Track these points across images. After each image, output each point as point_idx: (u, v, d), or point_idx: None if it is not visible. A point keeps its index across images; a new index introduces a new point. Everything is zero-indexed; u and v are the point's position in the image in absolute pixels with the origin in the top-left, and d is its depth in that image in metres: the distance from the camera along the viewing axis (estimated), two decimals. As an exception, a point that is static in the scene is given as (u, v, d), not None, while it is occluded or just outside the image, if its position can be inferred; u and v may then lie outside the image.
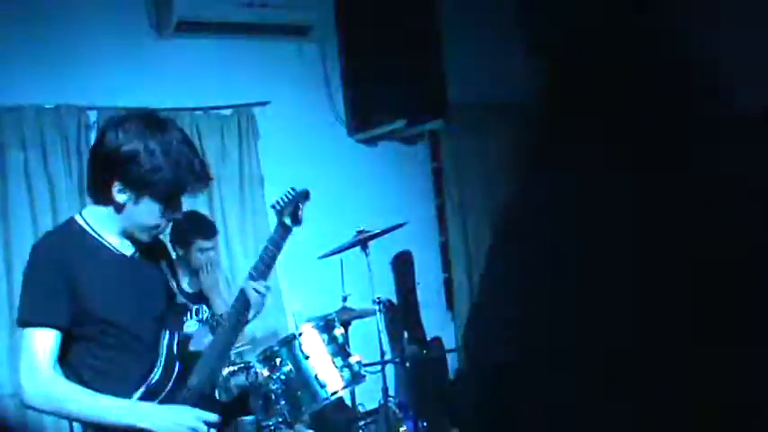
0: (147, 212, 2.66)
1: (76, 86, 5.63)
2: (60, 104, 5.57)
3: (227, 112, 6.32)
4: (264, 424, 4.22)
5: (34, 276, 2.64)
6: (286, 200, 2.99)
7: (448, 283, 7.55)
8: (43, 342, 2.57)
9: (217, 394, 2.89)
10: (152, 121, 2.67)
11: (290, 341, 4.27)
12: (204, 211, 5.85)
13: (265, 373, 4.16)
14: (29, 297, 2.64)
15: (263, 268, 2.90)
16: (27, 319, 2.60)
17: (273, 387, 3.86)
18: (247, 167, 6.36)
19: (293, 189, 3.02)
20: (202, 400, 2.78)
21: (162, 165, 2.59)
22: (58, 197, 5.52)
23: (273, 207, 2.99)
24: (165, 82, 5.86)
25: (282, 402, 4.29)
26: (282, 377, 4.22)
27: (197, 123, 6.02)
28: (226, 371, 4.09)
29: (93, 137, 5.66)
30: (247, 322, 3.09)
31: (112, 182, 2.60)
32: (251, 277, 2.97)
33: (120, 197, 2.62)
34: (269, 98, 6.43)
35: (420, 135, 7.32)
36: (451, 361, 7.22)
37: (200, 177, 2.69)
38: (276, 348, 4.27)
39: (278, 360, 4.24)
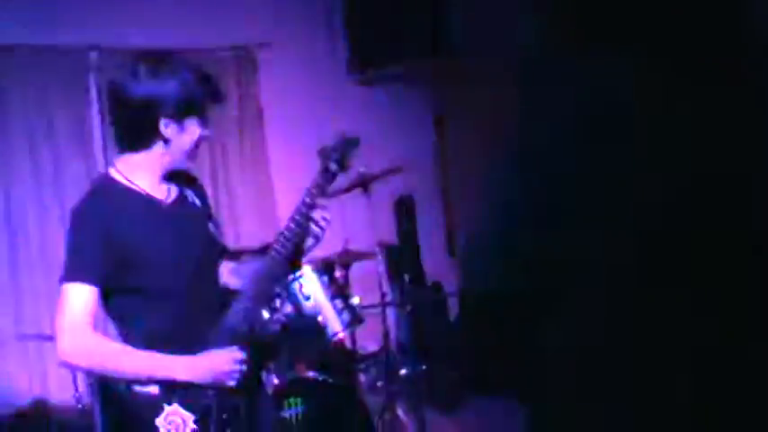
0: (191, 134, 2.69)
1: (76, 27, 5.57)
2: (59, 44, 5.52)
3: (227, 52, 6.26)
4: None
5: (72, 236, 2.65)
6: (334, 144, 2.95)
7: (448, 228, 7.54)
8: (79, 298, 2.57)
9: (255, 332, 2.87)
10: (162, 53, 2.76)
11: (289, 283, 4.27)
12: (204, 152, 5.82)
13: (265, 315, 4.16)
14: (67, 256, 2.64)
15: (305, 211, 2.87)
16: (63, 275, 2.61)
17: (273, 329, 3.85)
18: (247, 109, 6.33)
19: (344, 135, 2.98)
20: (237, 339, 2.77)
21: (194, 81, 2.66)
22: (57, 138, 5.50)
23: (319, 152, 2.94)
24: (165, 23, 5.80)
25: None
26: (282, 319, 4.21)
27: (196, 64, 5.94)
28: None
29: (92, 77, 5.64)
30: (305, 253, 3.05)
31: (158, 120, 2.61)
32: (306, 208, 2.89)
33: (168, 131, 2.63)
34: (270, 39, 6.37)
35: (422, 78, 7.27)
36: (452, 305, 7.25)
37: (218, 87, 2.79)
38: (277, 290, 4.27)
39: (278, 302, 4.24)
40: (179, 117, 2.65)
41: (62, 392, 5.04)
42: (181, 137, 2.67)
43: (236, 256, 3.71)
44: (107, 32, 5.61)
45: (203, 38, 5.96)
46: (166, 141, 2.66)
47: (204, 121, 2.74)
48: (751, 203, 1.45)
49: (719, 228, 1.44)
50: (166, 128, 2.63)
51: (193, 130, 2.69)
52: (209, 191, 5.67)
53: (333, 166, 2.93)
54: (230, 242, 5.73)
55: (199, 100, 2.69)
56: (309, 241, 2.99)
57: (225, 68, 6.19)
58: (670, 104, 1.47)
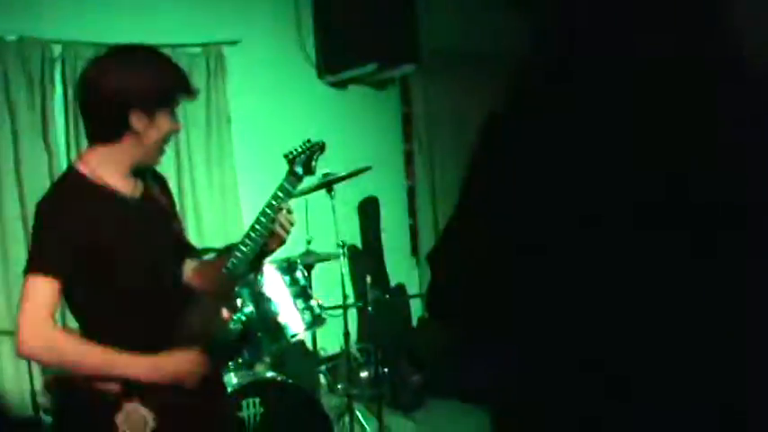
0: (161, 127, 2.66)
1: (40, 19, 5.51)
2: (24, 37, 5.45)
3: (196, 50, 6.23)
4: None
5: (37, 229, 2.62)
6: (300, 149, 2.97)
7: (413, 230, 7.55)
8: (41, 291, 2.54)
9: (216, 330, 2.87)
10: (132, 46, 2.71)
11: (251, 282, 4.26)
12: (170, 150, 5.78)
13: (226, 314, 4.14)
14: (32, 249, 2.62)
15: (271, 214, 2.87)
16: (26, 268, 2.58)
17: (234, 328, 3.84)
18: (215, 107, 6.30)
19: (309, 140, 3.02)
20: (198, 338, 2.76)
21: (165, 73, 2.66)
22: (20, 133, 5.43)
23: (286, 156, 2.97)
24: (133, 17, 5.75)
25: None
26: (243, 318, 4.20)
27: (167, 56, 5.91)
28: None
29: (57, 71, 5.60)
30: (269, 254, 3.06)
31: (129, 113, 2.59)
32: (272, 211, 2.90)
33: (139, 124, 2.60)
34: (239, 37, 6.34)
35: (391, 79, 7.28)
36: (414, 307, 7.26)
37: (189, 79, 2.77)
38: (237, 289, 4.25)
39: (239, 301, 4.22)
40: (149, 110, 2.63)
41: (18, 389, 4.99)
42: (151, 130, 2.65)
43: (200, 254, 3.71)
44: (71, 26, 5.56)
45: (173, 34, 5.92)
46: (137, 134, 2.64)
47: (174, 115, 2.73)
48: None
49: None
50: (138, 120, 2.61)
51: (164, 123, 2.67)
52: (174, 189, 5.69)
53: (299, 171, 2.94)
54: (195, 241, 5.71)
55: (169, 93, 2.68)
56: (273, 244, 3.00)
57: (194, 66, 6.14)
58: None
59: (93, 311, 2.68)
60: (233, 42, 6.32)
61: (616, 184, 1.46)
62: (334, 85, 7.01)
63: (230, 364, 4.25)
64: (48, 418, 4.53)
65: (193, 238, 5.75)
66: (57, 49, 5.60)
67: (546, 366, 1.59)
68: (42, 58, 5.52)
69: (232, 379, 4.10)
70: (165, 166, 5.12)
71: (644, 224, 1.45)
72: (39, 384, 4.64)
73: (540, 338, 1.59)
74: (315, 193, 5.08)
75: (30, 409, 4.52)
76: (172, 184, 5.60)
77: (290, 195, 2.92)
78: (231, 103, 6.39)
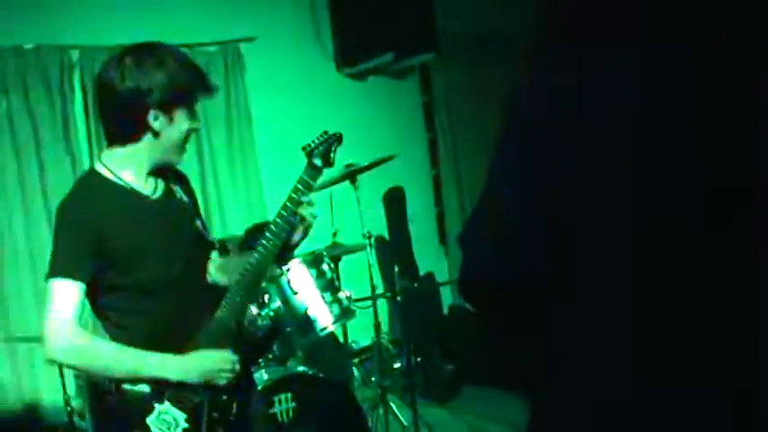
0: (180, 126, 2.65)
1: (57, 25, 5.52)
2: (41, 44, 5.46)
3: (213, 48, 6.22)
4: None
5: (58, 233, 2.61)
6: (317, 141, 2.95)
7: (440, 218, 7.52)
8: (65, 294, 2.54)
9: (244, 328, 2.87)
10: (147, 45, 2.67)
11: (277, 277, 4.24)
12: (191, 149, 5.79)
13: (254, 310, 4.13)
14: (53, 252, 2.60)
15: (292, 207, 2.86)
16: (49, 272, 2.58)
17: (262, 324, 3.83)
18: (234, 104, 6.30)
19: (326, 132, 2.99)
20: (226, 335, 2.75)
21: (182, 71, 2.63)
22: (42, 140, 5.45)
23: (304, 149, 2.94)
24: (149, 18, 5.74)
25: (273, 339, 4.28)
26: (271, 314, 4.19)
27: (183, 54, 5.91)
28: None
29: (76, 76, 5.60)
30: (293, 248, 3.05)
31: (146, 113, 2.58)
32: (294, 204, 2.89)
33: (157, 123, 2.60)
34: (255, 34, 6.32)
35: (410, 69, 7.25)
36: (444, 296, 7.23)
37: (207, 76, 2.75)
38: (264, 285, 4.24)
39: (266, 297, 4.22)
40: (167, 108, 2.61)
41: (52, 395, 5.02)
42: (170, 129, 2.64)
43: (224, 247, 3.70)
44: (88, 30, 5.57)
45: (188, 34, 5.90)
46: (156, 134, 2.63)
47: (193, 113, 2.71)
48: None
49: None
50: (155, 120, 2.60)
51: (182, 121, 2.66)
52: (198, 187, 5.69)
53: (318, 163, 2.92)
54: (219, 237, 5.70)
55: (187, 90, 2.66)
56: (297, 237, 2.98)
57: (212, 64, 6.14)
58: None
59: (117, 312, 2.67)
60: (250, 39, 6.30)
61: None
62: (354, 77, 6.98)
63: (261, 360, 4.24)
64: (81, 423, 4.54)
65: (218, 233, 5.76)
66: (74, 55, 5.61)
67: (589, 350, 1.55)
68: (61, 64, 5.54)
69: (263, 375, 4.09)
70: (188, 165, 5.15)
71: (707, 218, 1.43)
72: (72, 389, 4.66)
73: (578, 318, 1.56)
74: (339, 186, 5.06)
75: (64, 415, 4.53)
76: (195, 182, 5.65)
77: (309, 188, 2.89)
78: (251, 100, 6.38)
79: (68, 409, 4.49)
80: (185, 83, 2.64)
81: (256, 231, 4.46)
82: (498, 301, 1.63)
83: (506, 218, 1.54)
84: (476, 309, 1.72)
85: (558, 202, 1.49)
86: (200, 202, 5.29)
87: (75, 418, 4.55)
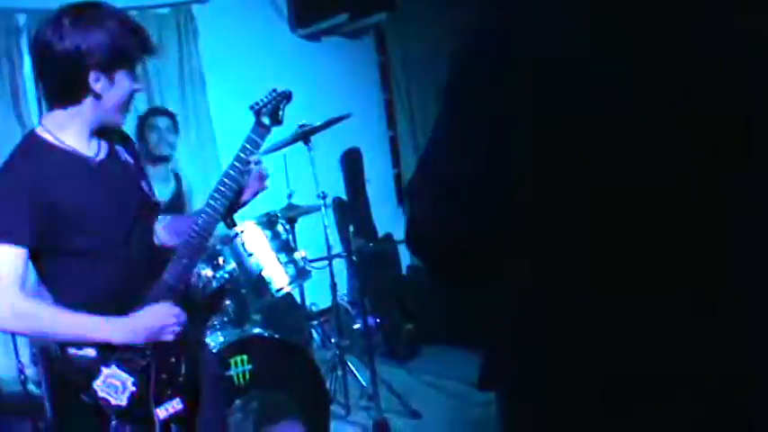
0: (121, 88, 2.61)
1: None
2: (-13, 8, 5.36)
3: (165, 10, 6.14)
4: (211, 323, 4.19)
5: None
6: (265, 99, 2.91)
7: (398, 178, 7.51)
8: (8, 259, 2.49)
9: (191, 290, 2.84)
10: (87, 5, 2.60)
11: (231, 239, 4.20)
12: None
13: (208, 273, 4.10)
14: None
15: (240, 166, 2.82)
16: None
17: (217, 286, 3.81)
18: (188, 67, 6.24)
19: (274, 90, 2.96)
20: (173, 298, 2.72)
21: (123, 32, 2.57)
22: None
23: (252, 107, 2.90)
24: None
25: (228, 301, 4.25)
26: (226, 275, 4.16)
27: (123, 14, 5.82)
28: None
29: (24, 41, 5.50)
30: (239, 207, 3.02)
31: (87, 74, 2.53)
32: (240, 163, 2.86)
33: (98, 85, 2.55)
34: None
35: (365, 29, 7.20)
36: (403, 256, 7.22)
37: (148, 37, 2.68)
38: (218, 247, 4.21)
39: (220, 259, 4.18)
40: (109, 70, 2.56)
41: (5, 364, 4.96)
42: (111, 90, 2.59)
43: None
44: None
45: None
46: (97, 96, 2.58)
47: (134, 75, 2.66)
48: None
49: None
50: (96, 81, 2.55)
51: (124, 83, 2.61)
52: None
53: (266, 121, 2.88)
54: (176, 200, 5.65)
55: (128, 51, 2.60)
56: (245, 197, 2.95)
57: (164, 27, 6.07)
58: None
59: (60, 275, 2.63)
60: (203, 0, 6.22)
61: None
62: (308, 37, 6.92)
63: (216, 322, 4.22)
64: (37, 390, 4.50)
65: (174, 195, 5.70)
66: (21, 19, 5.50)
67: (538, 304, 1.54)
68: (7, 28, 5.43)
69: (219, 337, 4.06)
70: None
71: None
72: (26, 358, 4.61)
73: (526, 274, 1.54)
74: (295, 147, 5.01)
75: (18, 384, 4.49)
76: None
77: (257, 147, 2.86)
78: (205, 62, 6.31)
79: (22, 377, 4.44)
80: (126, 43, 2.58)
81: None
82: (445, 255, 1.62)
83: (449, 174, 1.52)
84: (424, 263, 1.71)
85: (498, 158, 1.47)
86: (153, 165, 5.26)
87: (30, 386, 4.51)
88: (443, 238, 1.57)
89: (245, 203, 2.99)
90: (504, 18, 1.49)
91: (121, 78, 2.60)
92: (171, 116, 5.36)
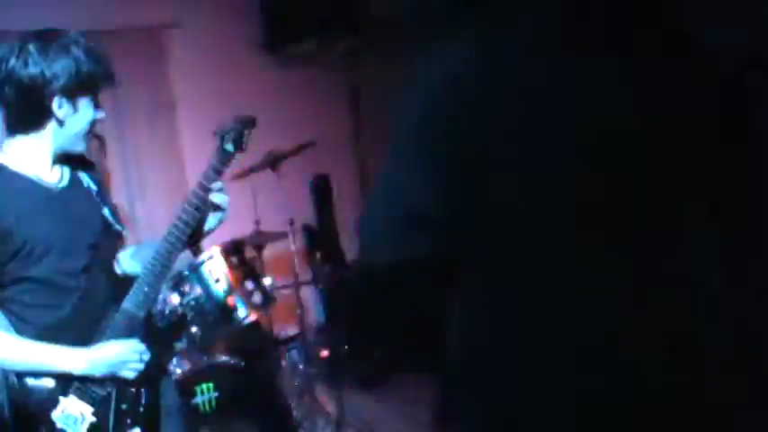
0: (84, 114, 2.61)
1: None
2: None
3: (136, 34, 6.11)
4: (177, 351, 4.15)
5: None
6: (230, 126, 2.88)
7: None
8: None
9: (153, 318, 2.82)
10: (51, 32, 2.61)
11: (197, 266, 4.18)
12: (113, 139, 5.70)
13: (174, 299, 4.07)
14: None
15: (202, 194, 2.79)
16: None
17: (178, 312, 3.78)
18: (158, 92, 6.21)
19: (237, 116, 2.93)
20: (134, 326, 2.69)
21: (87, 58, 2.57)
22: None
23: (215, 133, 2.88)
24: (66, 2, 5.61)
25: (194, 328, 4.22)
26: (192, 302, 4.14)
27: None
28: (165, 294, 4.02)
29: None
30: (205, 236, 2.99)
31: (51, 100, 2.53)
32: (202, 191, 2.83)
33: (61, 111, 2.56)
34: (179, 19, 6.23)
35: (337, 54, 7.20)
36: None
37: (111, 66, 2.69)
38: (186, 273, 4.18)
39: (186, 285, 4.16)
40: (72, 96, 2.56)
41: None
42: (74, 118, 2.59)
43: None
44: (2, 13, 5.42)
45: (106, 20, 5.78)
46: (60, 122, 2.58)
47: (97, 103, 2.66)
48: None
49: None
50: (60, 108, 2.55)
51: (87, 110, 2.62)
52: (119, 176, 5.60)
53: (229, 148, 2.86)
54: (143, 228, 5.62)
55: (92, 79, 2.60)
56: (209, 224, 2.92)
57: (132, 52, 6.03)
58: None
59: (21, 305, 2.61)
60: (173, 26, 6.21)
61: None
62: (279, 63, 6.92)
63: (182, 349, 4.18)
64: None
65: (142, 225, 5.68)
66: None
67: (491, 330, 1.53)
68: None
69: (184, 364, 4.03)
70: (110, 156, 5.08)
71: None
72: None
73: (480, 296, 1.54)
74: (263, 174, 5.00)
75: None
76: (117, 172, 5.56)
77: (219, 174, 2.83)
78: (175, 87, 6.29)
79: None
80: (90, 71, 2.58)
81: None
82: (398, 282, 1.60)
83: (405, 198, 1.51)
84: (374, 291, 1.70)
85: (458, 178, 1.46)
86: (123, 191, 5.23)
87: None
88: (399, 264, 1.56)
89: (209, 232, 2.96)
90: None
91: (84, 105, 2.60)
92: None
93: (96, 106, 2.65)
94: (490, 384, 1.54)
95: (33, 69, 2.50)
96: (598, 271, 1.43)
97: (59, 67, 2.51)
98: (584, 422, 1.45)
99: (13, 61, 2.51)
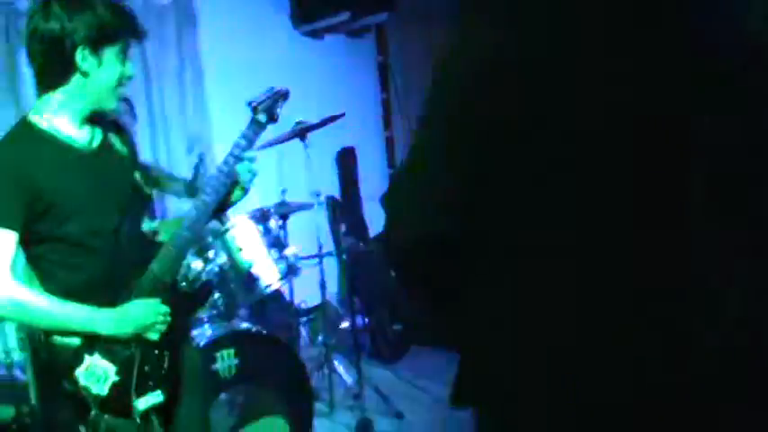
0: (110, 68, 2.61)
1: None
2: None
3: (166, 0, 6.12)
4: (199, 317, 4.19)
5: None
6: (263, 96, 2.90)
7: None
8: None
9: (179, 283, 2.85)
10: None
11: (223, 233, 4.21)
12: (142, 103, 5.74)
13: (199, 265, 4.10)
14: None
15: (233, 163, 2.82)
16: None
17: (205, 279, 3.81)
18: (187, 58, 6.22)
19: (272, 88, 2.95)
20: (160, 290, 2.73)
21: (109, 12, 2.58)
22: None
23: (249, 104, 2.89)
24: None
25: (217, 295, 4.25)
26: (216, 269, 4.17)
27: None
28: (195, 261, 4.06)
29: (23, 23, 5.48)
30: (232, 204, 3.02)
31: (73, 52, 2.54)
32: (234, 159, 2.85)
33: (86, 64, 2.56)
34: (210, -11, 6.24)
35: (366, 28, 7.19)
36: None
37: (136, 20, 2.69)
38: (210, 240, 4.21)
39: (211, 252, 4.19)
40: (95, 48, 2.57)
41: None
42: (100, 70, 2.60)
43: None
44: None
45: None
46: (84, 74, 2.59)
47: (124, 58, 2.66)
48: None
49: None
50: (83, 60, 2.56)
51: (112, 64, 2.62)
52: (148, 142, 5.63)
53: (262, 118, 2.88)
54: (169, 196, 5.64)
55: (115, 31, 2.60)
56: (237, 193, 2.95)
57: (164, 17, 6.05)
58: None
59: (50, 264, 2.64)
60: (205, -6, 6.23)
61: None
62: (310, 34, 6.91)
63: (204, 316, 4.22)
64: (22, 376, 4.50)
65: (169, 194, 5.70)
66: (23, 4, 5.49)
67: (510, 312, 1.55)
68: (7, 12, 5.42)
69: (206, 331, 4.06)
70: (139, 121, 5.10)
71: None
72: (14, 342, 4.61)
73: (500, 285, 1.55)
74: (290, 143, 5.02)
75: (3, 368, 4.49)
76: (145, 136, 5.60)
77: (251, 144, 2.86)
78: (204, 54, 6.30)
79: (8, 361, 4.45)
80: (113, 23, 2.59)
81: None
82: (423, 260, 1.62)
83: (432, 177, 1.53)
84: (399, 268, 1.72)
85: (483, 160, 1.48)
86: (151, 157, 5.26)
87: (16, 372, 4.51)
88: (417, 249, 1.58)
89: (236, 201, 3.00)
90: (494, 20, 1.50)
91: (109, 59, 2.61)
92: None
93: (123, 61, 2.66)
94: (501, 361, 1.57)
95: (54, 24, 2.51)
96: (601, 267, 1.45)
97: (80, 20, 2.53)
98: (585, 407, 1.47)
99: (36, 18, 2.54)
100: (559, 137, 1.43)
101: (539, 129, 1.44)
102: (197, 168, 4.60)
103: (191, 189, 4.84)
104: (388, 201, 1.62)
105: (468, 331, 1.65)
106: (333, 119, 4.99)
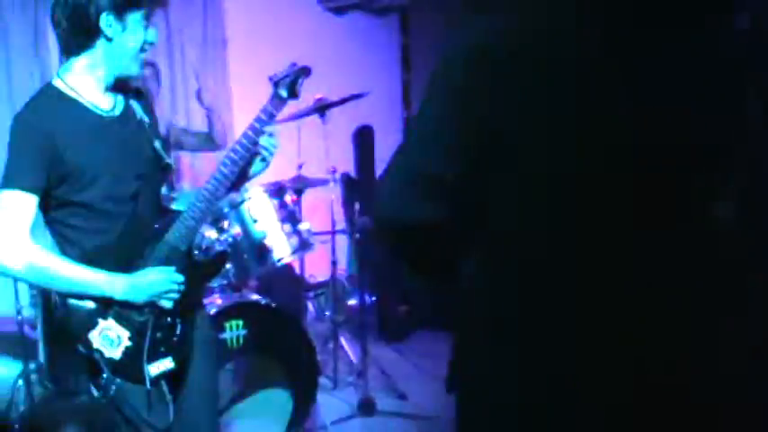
0: (134, 33, 2.64)
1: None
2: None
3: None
4: (210, 285, 4.22)
5: (13, 145, 2.59)
6: (285, 72, 2.92)
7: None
8: (17, 205, 2.54)
9: (194, 252, 2.87)
10: None
11: (238, 204, 4.23)
12: (166, 72, 5.75)
13: (213, 234, 4.12)
14: (7, 164, 2.58)
15: (254, 136, 2.85)
16: (2, 183, 2.56)
17: (220, 249, 3.83)
18: (211, 28, 6.23)
19: (294, 63, 2.96)
20: (175, 258, 2.76)
21: None
22: (12, 52, 5.41)
23: (271, 78, 2.91)
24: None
25: (229, 265, 4.28)
26: (230, 239, 4.19)
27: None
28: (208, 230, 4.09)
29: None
30: (250, 178, 3.05)
31: (98, 16, 2.57)
32: (255, 132, 2.88)
33: (110, 29, 2.59)
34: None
35: (390, 7, 7.18)
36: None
37: None
38: (225, 210, 4.23)
39: (225, 222, 4.21)
40: (119, 13, 2.60)
41: (4, 304, 4.99)
42: (124, 36, 2.63)
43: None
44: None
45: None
46: (108, 39, 2.61)
47: (148, 25, 2.70)
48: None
49: None
50: (108, 25, 2.59)
51: (136, 29, 2.65)
52: (167, 108, 5.64)
53: (283, 93, 2.90)
54: (187, 170, 5.68)
55: None
56: (256, 166, 2.98)
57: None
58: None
59: (68, 227, 2.67)
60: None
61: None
62: (333, 10, 6.91)
63: (215, 285, 4.25)
64: (31, 333, 4.54)
65: (187, 168, 5.74)
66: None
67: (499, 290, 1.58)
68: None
69: (216, 300, 4.09)
70: (162, 95, 5.11)
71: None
72: (26, 299, 4.64)
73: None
74: (308, 119, 5.03)
75: (14, 324, 4.52)
76: (166, 103, 5.61)
77: (272, 118, 2.88)
78: (228, 25, 6.30)
79: (19, 318, 4.48)
80: None
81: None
82: (408, 240, 1.64)
83: (420, 164, 1.55)
84: (387, 247, 1.74)
85: (477, 148, 1.49)
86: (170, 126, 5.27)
87: (26, 328, 4.54)
88: (409, 224, 1.60)
89: (254, 175, 3.03)
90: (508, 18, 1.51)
91: (133, 24, 2.64)
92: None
93: (147, 28, 2.68)
94: (493, 345, 1.59)
95: None
96: (597, 256, 1.47)
97: None
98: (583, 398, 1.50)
99: None
100: (558, 133, 1.45)
101: (535, 121, 1.45)
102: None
103: (209, 140, 4.89)
104: (381, 179, 1.64)
105: (464, 332, 1.68)
106: (354, 97, 4.99)
